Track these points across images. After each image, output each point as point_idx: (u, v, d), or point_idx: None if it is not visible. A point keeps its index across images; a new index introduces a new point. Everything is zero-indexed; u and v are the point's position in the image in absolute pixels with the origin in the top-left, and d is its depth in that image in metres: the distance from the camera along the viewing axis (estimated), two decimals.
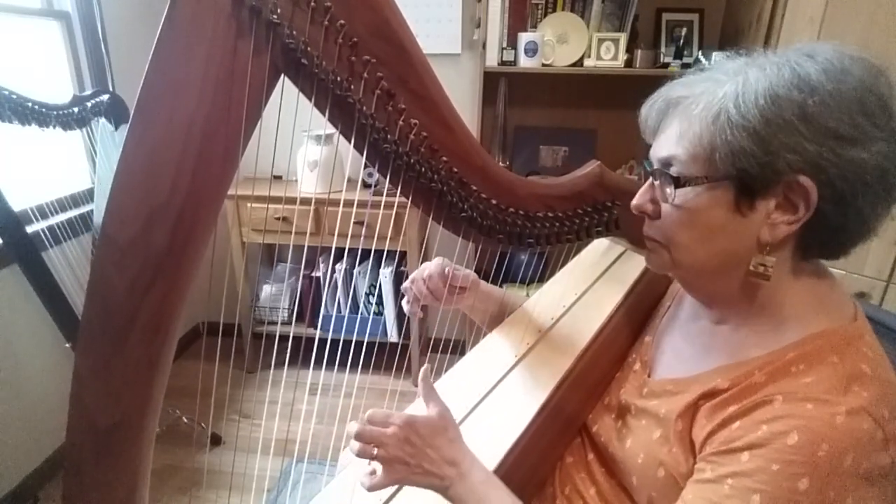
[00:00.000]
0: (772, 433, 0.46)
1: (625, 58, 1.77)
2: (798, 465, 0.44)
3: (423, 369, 0.62)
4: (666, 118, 0.55)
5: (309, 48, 0.46)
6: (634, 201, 0.58)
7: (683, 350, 0.64)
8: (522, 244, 0.64)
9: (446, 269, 0.83)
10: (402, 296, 0.86)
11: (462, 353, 0.86)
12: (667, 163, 0.54)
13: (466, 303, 0.88)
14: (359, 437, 0.58)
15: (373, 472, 0.59)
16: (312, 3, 0.45)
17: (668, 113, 0.54)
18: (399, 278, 2.09)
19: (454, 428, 0.61)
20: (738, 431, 0.48)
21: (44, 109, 1.23)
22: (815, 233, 0.50)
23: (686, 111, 0.51)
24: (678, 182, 0.52)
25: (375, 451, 0.58)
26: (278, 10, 0.44)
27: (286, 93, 0.48)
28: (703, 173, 0.50)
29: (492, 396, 0.74)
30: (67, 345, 1.46)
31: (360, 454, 0.58)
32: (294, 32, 0.45)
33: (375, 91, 0.50)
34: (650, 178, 0.57)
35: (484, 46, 1.80)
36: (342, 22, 0.47)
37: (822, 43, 0.49)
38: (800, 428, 0.45)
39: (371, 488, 0.58)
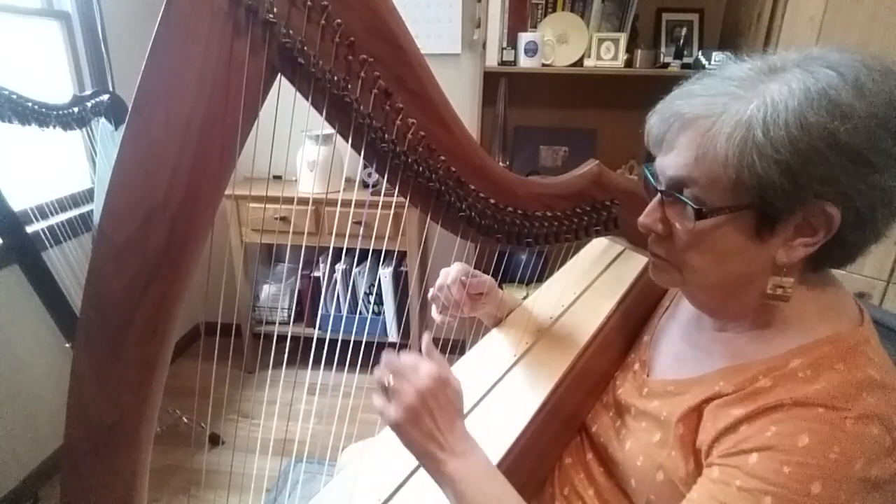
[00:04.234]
0: (782, 435, 0.46)
1: (625, 58, 1.77)
2: (810, 468, 0.43)
3: (426, 341, 0.58)
4: (677, 133, 0.50)
5: (306, 47, 0.46)
6: (642, 219, 0.56)
7: (684, 351, 0.64)
8: (521, 243, 0.64)
9: (463, 278, 0.80)
10: (425, 304, 0.85)
11: (462, 353, 0.86)
12: (680, 183, 0.51)
13: (485, 310, 0.86)
14: (387, 363, 0.56)
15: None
16: (309, 2, 0.45)
17: (682, 129, 0.50)
18: (398, 278, 2.09)
19: (463, 407, 0.58)
20: (746, 433, 0.48)
21: (44, 109, 1.23)
22: (830, 250, 0.49)
23: (706, 133, 0.47)
24: (699, 213, 0.49)
25: (391, 379, 0.55)
26: (275, 10, 0.44)
27: (285, 92, 0.48)
28: (723, 201, 0.48)
29: (490, 396, 0.74)
30: (67, 345, 1.46)
31: (378, 378, 0.55)
32: (291, 31, 0.45)
33: (373, 90, 0.50)
34: (658, 196, 0.54)
35: (484, 46, 1.80)
36: (339, 21, 0.47)
37: (839, 50, 0.46)
38: (811, 431, 0.44)
39: (379, 408, 0.55)
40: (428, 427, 0.53)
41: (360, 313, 2.11)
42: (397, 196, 0.57)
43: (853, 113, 0.43)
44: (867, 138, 0.43)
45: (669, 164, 0.51)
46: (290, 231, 1.93)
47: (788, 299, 0.51)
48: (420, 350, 0.59)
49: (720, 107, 0.47)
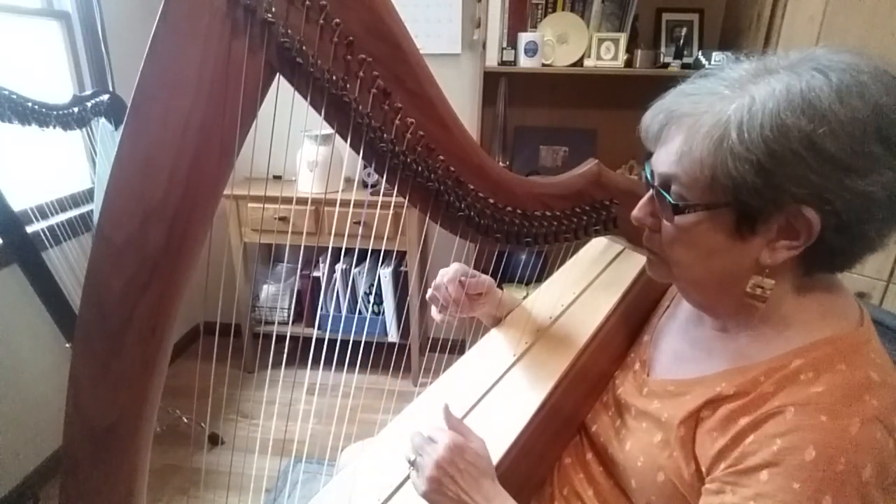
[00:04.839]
0: (788, 448, 0.45)
1: (625, 58, 1.76)
2: (819, 482, 0.43)
3: (444, 407, 0.63)
4: (668, 130, 0.52)
5: (304, 47, 0.46)
6: (634, 213, 0.57)
7: (684, 352, 0.64)
8: (520, 243, 0.64)
9: (462, 277, 0.81)
10: (425, 304, 0.86)
11: (461, 353, 0.86)
12: (667, 180, 0.52)
13: (484, 310, 0.87)
14: (411, 440, 0.61)
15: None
16: (307, 2, 0.45)
17: (670, 126, 0.52)
18: (398, 278, 2.09)
19: (492, 466, 0.61)
20: (753, 446, 0.48)
21: (44, 109, 1.23)
22: (817, 255, 0.48)
23: (688, 131, 0.49)
24: (677, 208, 0.50)
25: (413, 456, 0.60)
26: (273, 9, 0.44)
27: (284, 92, 0.48)
28: (702, 199, 0.49)
29: (490, 396, 0.74)
30: (67, 345, 1.46)
31: (406, 457, 0.61)
32: (289, 31, 0.45)
33: (371, 90, 0.50)
34: (650, 191, 0.55)
35: (484, 46, 1.80)
36: (338, 21, 0.46)
37: (837, 52, 0.46)
38: (816, 442, 0.44)
39: (414, 487, 0.60)
40: (454, 492, 0.57)
41: (360, 313, 2.11)
42: (397, 196, 0.57)
43: (832, 116, 0.42)
44: (847, 142, 0.43)
45: (661, 160, 0.53)
46: (290, 231, 1.93)
47: (765, 300, 0.51)
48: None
49: (706, 106, 0.48)
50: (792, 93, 0.44)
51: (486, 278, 0.84)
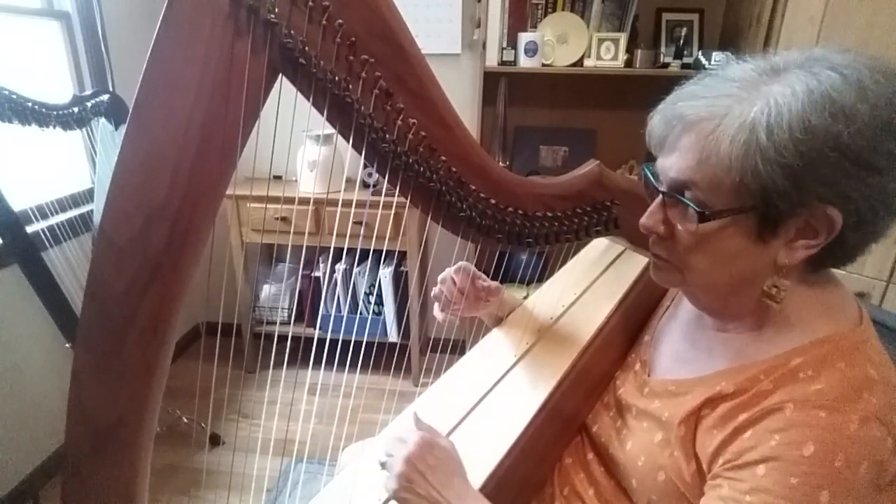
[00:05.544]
0: (786, 444, 0.46)
1: (625, 58, 1.77)
2: (817, 477, 0.44)
3: (413, 414, 0.63)
4: (679, 136, 0.50)
5: (307, 48, 0.46)
6: (644, 221, 0.56)
7: (685, 351, 0.64)
8: (521, 244, 0.64)
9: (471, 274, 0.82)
10: (425, 304, 0.86)
11: (462, 353, 0.86)
12: (681, 185, 0.51)
13: (488, 311, 0.87)
14: (384, 443, 0.60)
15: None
16: (310, 3, 0.45)
17: (683, 131, 0.50)
18: (399, 278, 2.09)
19: (462, 466, 0.61)
20: (751, 441, 0.48)
21: (44, 109, 1.23)
22: (830, 252, 0.49)
23: (708, 136, 0.47)
24: (702, 216, 0.49)
25: (384, 457, 0.59)
26: (276, 10, 0.44)
27: (286, 92, 0.48)
28: (725, 204, 0.48)
29: (491, 396, 0.74)
30: (67, 345, 1.46)
31: (378, 459, 0.60)
32: (292, 32, 0.45)
33: (373, 90, 0.50)
34: (660, 197, 0.54)
35: (484, 46, 1.80)
36: (340, 21, 0.47)
37: (839, 51, 0.46)
38: (814, 438, 0.45)
39: (385, 488, 0.59)
40: (425, 489, 0.56)
41: (361, 313, 2.11)
42: (398, 196, 0.57)
43: (856, 115, 0.43)
44: (870, 141, 0.43)
45: (671, 165, 0.52)
46: (291, 231, 1.93)
47: (781, 301, 0.51)
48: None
49: (723, 109, 0.47)
50: (815, 93, 0.44)
51: (496, 284, 0.85)
